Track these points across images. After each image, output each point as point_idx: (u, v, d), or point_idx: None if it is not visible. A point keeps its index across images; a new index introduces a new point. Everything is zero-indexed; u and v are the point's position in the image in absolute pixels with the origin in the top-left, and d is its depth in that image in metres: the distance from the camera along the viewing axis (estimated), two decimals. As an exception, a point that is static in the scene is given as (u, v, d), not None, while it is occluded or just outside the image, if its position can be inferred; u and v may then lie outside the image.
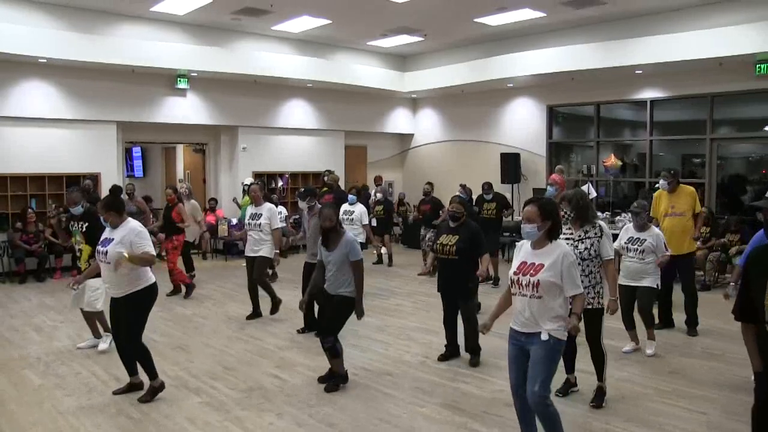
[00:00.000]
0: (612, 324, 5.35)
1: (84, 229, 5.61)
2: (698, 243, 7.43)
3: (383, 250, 10.90)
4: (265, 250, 6.94)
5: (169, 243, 8.26)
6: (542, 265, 3.36)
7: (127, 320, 4.51)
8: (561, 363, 3.76)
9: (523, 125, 12.92)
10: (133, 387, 4.76)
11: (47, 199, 10.17)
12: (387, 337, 6.33)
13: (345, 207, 8.73)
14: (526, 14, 10.27)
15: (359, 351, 5.85)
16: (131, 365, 4.73)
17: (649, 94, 10.99)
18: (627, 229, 5.84)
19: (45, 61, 9.68)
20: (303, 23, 10.96)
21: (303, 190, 7.10)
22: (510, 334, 3.52)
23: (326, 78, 12.51)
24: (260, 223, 6.91)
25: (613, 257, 4.48)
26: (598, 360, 4.51)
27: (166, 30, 10.71)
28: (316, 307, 5.83)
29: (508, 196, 10.90)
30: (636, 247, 5.62)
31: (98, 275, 4.87)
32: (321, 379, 5.01)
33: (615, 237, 5.10)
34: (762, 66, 9.24)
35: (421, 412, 4.45)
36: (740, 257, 6.12)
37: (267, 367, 5.44)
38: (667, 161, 11.50)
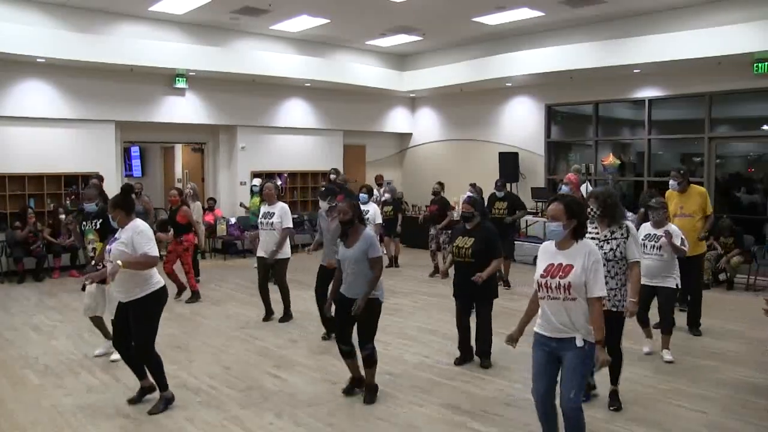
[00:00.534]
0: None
1: (98, 227, 5.55)
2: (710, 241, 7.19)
3: (392, 251, 10.80)
4: (282, 253, 6.83)
5: (179, 245, 7.92)
6: (571, 266, 3.25)
7: (135, 329, 4.34)
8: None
9: (521, 124, 12.93)
10: (145, 391, 4.63)
11: (45, 199, 10.17)
12: (387, 337, 6.30)
13: None
14: (524, 13, 10.29)
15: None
16: (139, 369, 4.59)
17: (647, 93, 11.00)
18: (644, 226, 5.70)
19: (43, 60, 9.66)
20: (302, 23, 10.97)
21: (324, 189, 6.77)
22: (537, 339, 3.39)
23: (325, 77, 12.52)
24: (272, 222, 6.79)
25: (639, 260, 4.31)
26: (616, 363, 4.30)
27: (165, 29, 10.70)
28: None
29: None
30: (653, 243, 5.48)
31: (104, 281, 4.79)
32: (347, 391, 4.75)
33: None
34: (760, 65, 9.26)
35: (420, 411, 4.45)
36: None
37: (267, 367, 5.44)
38: (665, 160, 11.52)
